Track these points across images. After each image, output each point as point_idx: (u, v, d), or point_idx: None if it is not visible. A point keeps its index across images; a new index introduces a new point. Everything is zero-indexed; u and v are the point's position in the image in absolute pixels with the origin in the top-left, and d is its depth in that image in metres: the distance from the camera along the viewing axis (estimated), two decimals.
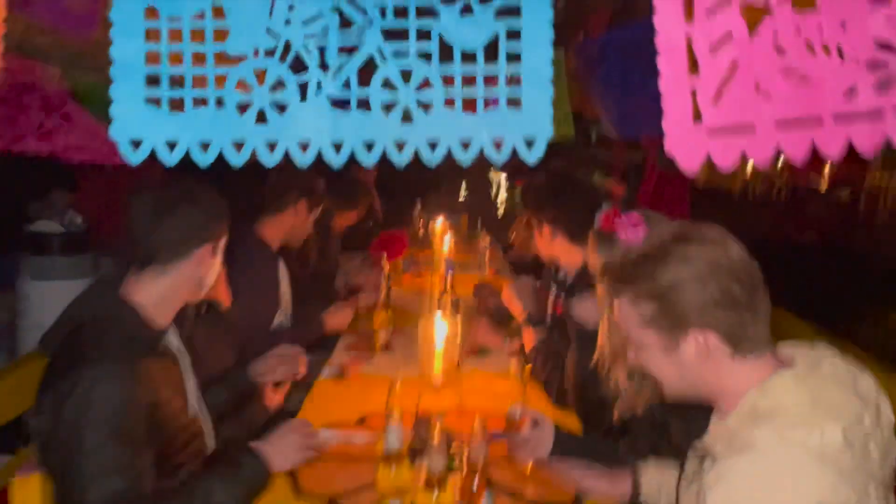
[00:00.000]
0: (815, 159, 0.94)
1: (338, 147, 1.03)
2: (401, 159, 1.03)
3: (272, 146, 1.03)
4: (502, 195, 8.38)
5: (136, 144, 1.03)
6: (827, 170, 8.79)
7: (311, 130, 1.03)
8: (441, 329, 2.38)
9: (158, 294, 1.65)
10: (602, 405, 1.86)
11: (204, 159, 1.03)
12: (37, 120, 2.53)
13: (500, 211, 7.81)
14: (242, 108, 1.04)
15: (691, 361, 1.21)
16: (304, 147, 1.04)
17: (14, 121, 2.48)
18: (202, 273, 1.70)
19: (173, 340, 1.76)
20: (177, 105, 1.04)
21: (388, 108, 1.04)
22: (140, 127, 1.03)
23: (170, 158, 1.03)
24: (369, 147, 1.03)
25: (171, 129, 1.03)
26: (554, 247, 2.51)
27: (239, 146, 1.03)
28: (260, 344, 2.42)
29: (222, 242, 1.75)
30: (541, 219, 2.55)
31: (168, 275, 1.64)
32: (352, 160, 1.04)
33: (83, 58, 2.29)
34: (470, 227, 5.93)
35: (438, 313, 2.45)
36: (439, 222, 5.08)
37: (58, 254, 4.59)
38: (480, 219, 6.06)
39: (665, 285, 1.19)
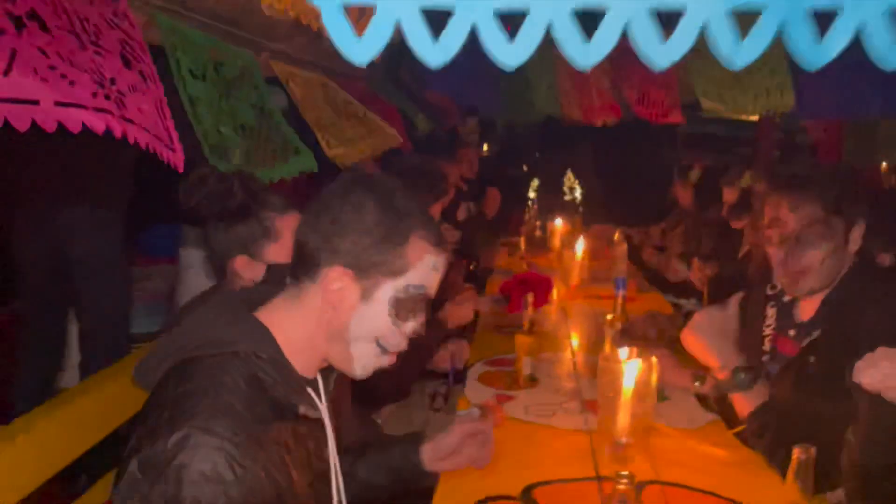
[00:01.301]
0: None
1: None
2: None
3: None
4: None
5: None
6: None
7: None
8: (631, 372, 1.75)
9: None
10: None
11: None
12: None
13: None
14: None
15: None
16: None
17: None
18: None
19: (317, 398, 1.23)
20: None
21: None
22: None
23: None
24: None
25: None
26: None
27: None
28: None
29: None
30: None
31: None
32: None
33: None
34: (585, 225, 5.21)
35: (624, 350, 1.82)
36: (558, 222, 4.43)
37: None
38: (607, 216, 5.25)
39: None
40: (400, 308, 1.16)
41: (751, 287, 2.09)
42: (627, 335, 2.16)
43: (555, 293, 3.39)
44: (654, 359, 1.79)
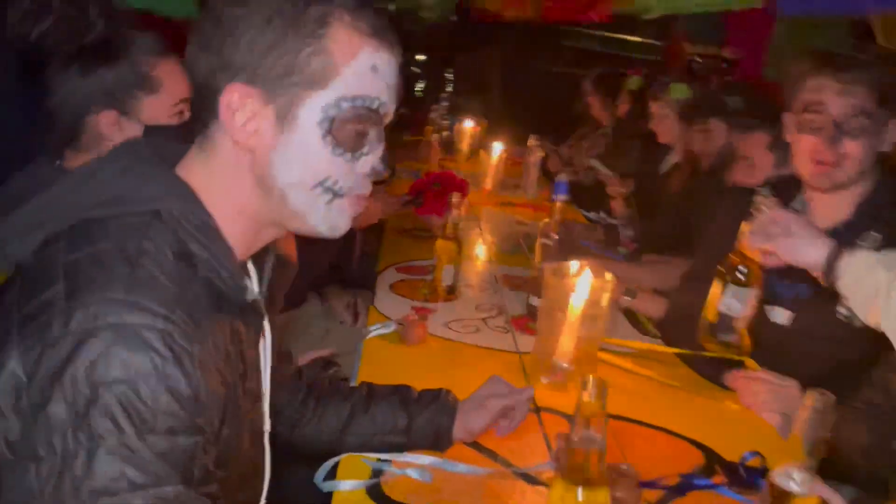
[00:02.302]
0: None
1: None
2: None
3: None
4: None
5: None
6: None
7: None
8: (582, 288, 1.50)
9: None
10: None
11: None
12: None
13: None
14: None
15: None
16: None
17: None
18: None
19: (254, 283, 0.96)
20: None
21: None
22: None
23: None
24: None
25: None
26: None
27: None
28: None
29: None
30: None
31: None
32: None
33: None
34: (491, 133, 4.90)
35: (574, 263, 1.56)
36: (468, 124, 4.09)
37: None
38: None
39: None
40: (337, 132, 0.84)
41: (724, 201, 1.87)
42: (565, 247, 1.91)
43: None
44: (608, 275, 1.55)
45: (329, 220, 0.88)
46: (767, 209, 1.35)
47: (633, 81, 3.72)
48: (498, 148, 3.25)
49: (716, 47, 4.67)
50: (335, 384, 1.31)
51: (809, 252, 1.30)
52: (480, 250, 2.57)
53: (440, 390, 1.31)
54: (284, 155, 0.84)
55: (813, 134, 1.51)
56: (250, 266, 0.97)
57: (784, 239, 1.32)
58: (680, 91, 2.98)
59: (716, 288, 1.46)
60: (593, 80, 4.19)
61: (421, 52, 7.63)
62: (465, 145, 4.03)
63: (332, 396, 1.27)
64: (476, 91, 6.12)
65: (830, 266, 1.26)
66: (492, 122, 4.46)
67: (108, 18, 1.23)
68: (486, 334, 1.82)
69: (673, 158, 3.08)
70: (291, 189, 0.85)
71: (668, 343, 1.83)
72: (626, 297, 1.98)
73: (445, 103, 4.36)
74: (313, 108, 0.83)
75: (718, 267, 1.46)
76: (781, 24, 2.93)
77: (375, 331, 1.74)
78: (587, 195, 3.82)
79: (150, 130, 1.27)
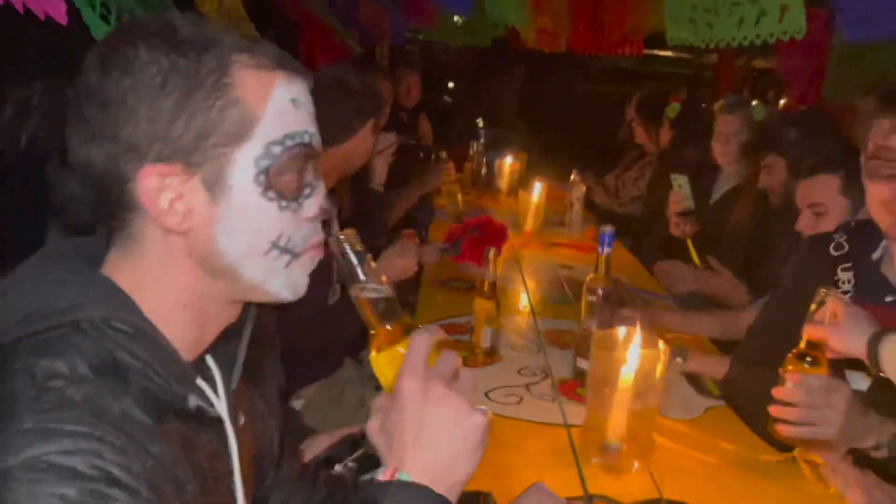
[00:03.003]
0: None
1: None
2: None
3: None
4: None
5: None
6: None
7: None
8: (632, 360, 1.34)
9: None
10: None
11: None
12: None
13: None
14: None
15: None
16: None
17: None
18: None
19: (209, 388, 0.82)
20: None
21: None
22: None
23: None
24: None
25: None
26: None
27: None
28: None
29: None
30: None
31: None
32: None
33: None
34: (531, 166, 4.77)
35: (621, 329, 1.41)
36: (508, 160, 3.97)
37: None
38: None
39: None
40: (277, 182, 0.75)
41: (799, 249, 1.69)
42: (613, 302, 1.76)
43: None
44: (661, 343, 1.39)
45: (290, 283, 0.79)
46: (828, 301, 1.24)
47: (672, 109, 3.54)
48: (538, 187, 3.10)
49: (766, 60, 4.46)
50: (359, 486, 1.18)
51: (854, 341, 1.23)
52: (522, 301, 2.42)
53: (478, 497, 1.17)
54: (226, 227, 0.74)
55: (885, 182, 1.33)
56: (210, 361, 0.84)
57: (834, 328, 1.23)
58: (758, 111, 2.80)
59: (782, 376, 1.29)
60: (636, 106, 4.02)
61: (450, 79, 7.60)
62: (504, 183, 3.90)
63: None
64: (507, 116, 5.99)
65: (873, 352, 1.21)
66: (530, 153, 4.34)
67: None
68: (531, 405, 1.67)
69: (726, 184, 2.89)
70: (242, 261, 0.76)
71: (733, 407, 1.65)
72: (677, 360, 1.80)
73: (482, 140, 4.23)
74: (245, 165, 0.73)
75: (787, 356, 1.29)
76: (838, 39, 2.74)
77: None
78: (638, 227, 3.67)
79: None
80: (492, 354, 1.90)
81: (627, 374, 1.35)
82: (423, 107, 4.74)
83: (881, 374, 1.22)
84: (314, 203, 0.78)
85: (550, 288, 2.57)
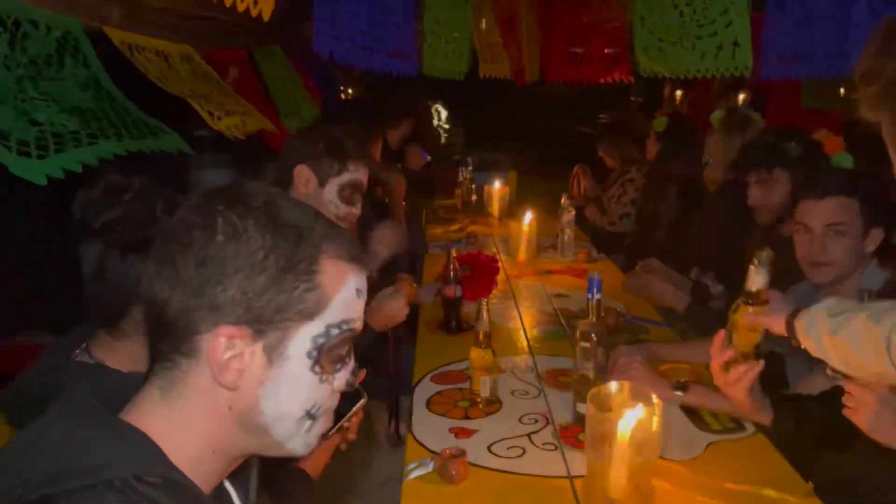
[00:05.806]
0: None
1: None
2: None
3: None
4: None
5: None
6: None
7: None
8: (627, 419, 1.36)
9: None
10: None
11: None
12: None
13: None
14: None
15: None
16: None
17: None
18: None
19: None
20: None
21: None
22: None
23: None
24: None
25: None
26: None
27: None
28: None
29: None
30: None
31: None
32: None
33: None
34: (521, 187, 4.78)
35: (613, 384, 1.42)
36: (496, 185, 3.99)
37: None
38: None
39: None
40: (324, 359, 0.82)
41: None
42: (605, 344, 1.77)
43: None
44: (654, 397, 1.41)
45: (307, 442, 0.85)
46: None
47: (660, 122, 3.57)
48: (528, 217, 3.12)
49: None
50: None
51: (776, 320, 1.43)
52: (520, 340, 2.43)
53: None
54: (273, 390, 0.80)
55: None
56: (227, 484, 0.90)
57: (763, 313, 1.46)
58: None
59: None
60: (599, 141, 4.14)
61: (442, 104, 7.63)
62: (495, 209, 3.93)
63: None
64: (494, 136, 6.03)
65: (790, 327, 1.39)
66: (518, 170, 4.37)
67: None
68: (534, 456, 1.69)
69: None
70: (276, 422, 0.81)
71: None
72: (677, 393, 1.81)
73: (470, 167, 4.25)
74: (303, 340, 0.80)
75: None
76: None
77: (413, 471, 1.63)
78: (630, 243, 3.69)
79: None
80: (492, 403, 1.92)
81: (624, 429, 1.37)
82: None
83: (800, 346, 1.38)
84: (343, 377, 0.85)
85: (546, 321, 2.59)
